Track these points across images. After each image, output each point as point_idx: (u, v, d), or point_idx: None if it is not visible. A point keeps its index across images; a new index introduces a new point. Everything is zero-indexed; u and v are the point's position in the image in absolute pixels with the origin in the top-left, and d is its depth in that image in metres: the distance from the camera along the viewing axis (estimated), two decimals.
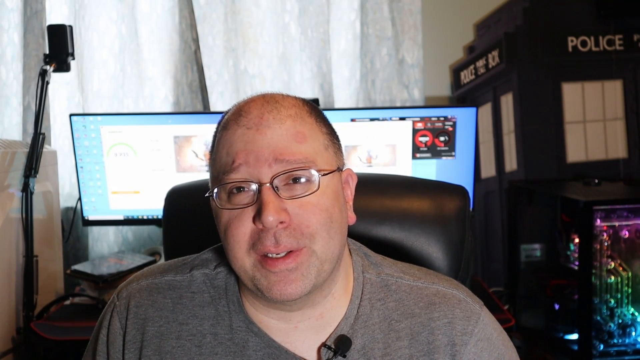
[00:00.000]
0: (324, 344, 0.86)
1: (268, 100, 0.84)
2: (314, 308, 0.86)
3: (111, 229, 2.33)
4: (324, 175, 0.81)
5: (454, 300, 0.89)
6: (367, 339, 0.86)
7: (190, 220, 1.15)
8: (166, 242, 1.20)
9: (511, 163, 2.33)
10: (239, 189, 0.81)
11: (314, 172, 0.80)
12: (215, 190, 0.82)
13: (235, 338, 0.86)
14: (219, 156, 0.84)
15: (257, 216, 0.78)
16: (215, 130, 0.88)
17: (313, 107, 0.87)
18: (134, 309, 0.89)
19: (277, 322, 0.87)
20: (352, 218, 0.89)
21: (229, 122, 0.84)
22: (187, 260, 0.94)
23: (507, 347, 0.93)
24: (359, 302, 0.88)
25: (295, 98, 0.87)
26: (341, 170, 0.87)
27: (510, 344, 0.94)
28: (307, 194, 0.80)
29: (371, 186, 1.15)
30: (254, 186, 0.80)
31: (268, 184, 0.79)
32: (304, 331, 0.87)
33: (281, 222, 0.78)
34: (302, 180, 0.80)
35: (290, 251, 0.79)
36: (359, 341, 0.86)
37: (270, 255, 0.79)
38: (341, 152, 0.89)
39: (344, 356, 0.85)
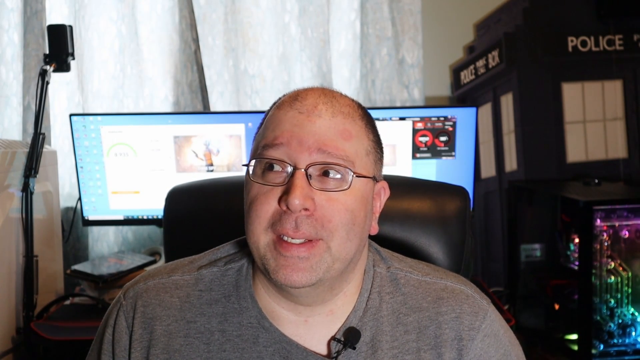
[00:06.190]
0: (333, 337, 0.86)
1: (326, 94, 0.86)
2: (324, 305, 0.87)
3: (111, 229, 2.33)
4: (358, 177, 0.83)
5: (462, 295, 0.90)
6: (375, 331, 0.87)
7: (191, 221, 1.15)
8: (167, 242, 1.20)
9: (511, 163, 2.33)
10: (274, 167, 0.82)
11: (349, 171, 0.82)
12: (253, 162, 0.84)
13: (245, 334, 0.87)
14: (264, 131, 0.86)
15: (284, 197, 0.79)
16: (269, 108, 0.90)
17: (366, 113, 0.89)
18: (141, 308, 0.89)
19: (288, 313, 0.87)
20: (374, 228, 0.90)
21: (283, 103, 0.86)
22: (194, 259, 0.95)
23: (513, 344, 0.93)
24: (368, 294, 0.89)
25: (352, 100, 0.89)
26: (376, 181, 0.88)
27: (516, 342, 0.95)
28: (337, 190, 0.81)
29: None
30: (289, 168, 0.81)
31: (302, 170, 0.80)
32: (313, 325, 0.87)
33: (305, 209, 0.79)
34: (336, 175, 0.82)
35: (307, 241, 0.80)
36: (368, 333, 0.87)
37: (286, 239, 0.80)
38: (381, 164, 0.90)
39: (354, 348, 0.85)
